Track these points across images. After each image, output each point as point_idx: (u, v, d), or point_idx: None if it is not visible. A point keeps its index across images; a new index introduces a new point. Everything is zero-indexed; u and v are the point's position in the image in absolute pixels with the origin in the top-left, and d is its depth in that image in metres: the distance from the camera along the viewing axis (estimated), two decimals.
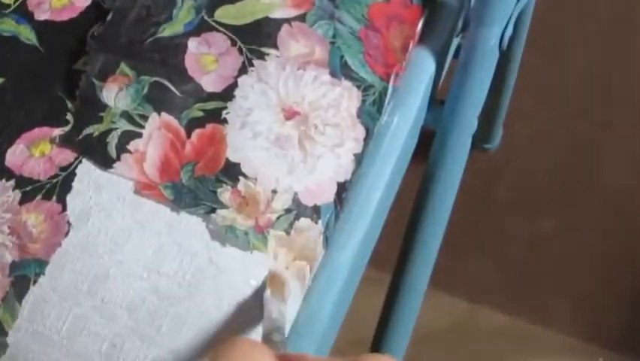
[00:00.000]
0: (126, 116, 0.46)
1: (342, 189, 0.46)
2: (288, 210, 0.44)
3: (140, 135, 0.45)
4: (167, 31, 0.48)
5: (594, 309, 0.98)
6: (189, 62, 0.47)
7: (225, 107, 0.46)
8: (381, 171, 0.50)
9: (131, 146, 0.45)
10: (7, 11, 0.50)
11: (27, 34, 0.49)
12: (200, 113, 0.46)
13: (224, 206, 0.44)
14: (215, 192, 0.44)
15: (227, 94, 0.46)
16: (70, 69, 0.48)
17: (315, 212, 0.45)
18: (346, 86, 0.48)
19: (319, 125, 0.46)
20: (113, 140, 0.45)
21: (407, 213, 0.65)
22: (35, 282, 0.43)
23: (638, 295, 0.98)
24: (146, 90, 0.46)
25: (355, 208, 0.48)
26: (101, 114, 0.46)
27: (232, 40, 0.48)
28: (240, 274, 0.43)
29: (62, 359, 0.42)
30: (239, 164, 0.45)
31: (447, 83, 0.59)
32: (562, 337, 0.96)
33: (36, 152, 0.46)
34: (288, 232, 0.44)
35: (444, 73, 0.59)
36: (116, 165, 0.45)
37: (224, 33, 0.48)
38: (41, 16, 0.50)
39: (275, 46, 0.48)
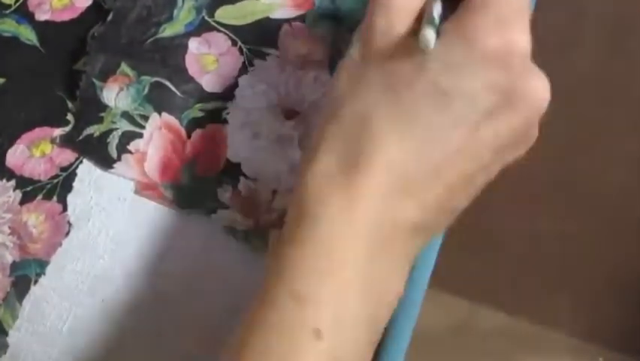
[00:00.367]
0: (127, 116, 0.46)
1: None
2: None
3: (140, 135, 0.46)
4: (167, 31, 0.48)
5: (594, 309, 0.98)
6: (190, 62, 0.47)
7: (226, 107, 0.46)
8: None
9: (132, 146, 0.45)
10: (8, 11, 0.50)
11: (27, 35, 0.49)
12: (201, 114, 0.46)
13: (224, 206, 0.44)
14: (215, 193, 0.44)
15: (228, 94, 0.46)
16: (71, 69, 0.48)
17: None
18: None
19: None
20: (113, 140, 0.45)
21: None
22: (36, 282, 0.43)
23: (638, 295, 0.98)
24: (146, 90, 0.47)
25: None
26: (102, 114, 0.46)
27: (232, 40, 0.48)
28: (240, 275, 0.43)
29: (62, 359, 0.42)
30: (239, 164, 0.45)
31: None
32: (562, 337, 0.96)
33: (37, 152, 0.46)
34: None
35: None
36: (117, 165, 0.45)
37: (225, 33, 0.48)
38: (42, 16, 0.50)
39: (275, 46, 0.48)
